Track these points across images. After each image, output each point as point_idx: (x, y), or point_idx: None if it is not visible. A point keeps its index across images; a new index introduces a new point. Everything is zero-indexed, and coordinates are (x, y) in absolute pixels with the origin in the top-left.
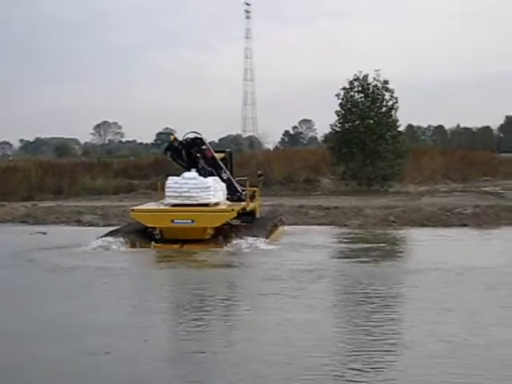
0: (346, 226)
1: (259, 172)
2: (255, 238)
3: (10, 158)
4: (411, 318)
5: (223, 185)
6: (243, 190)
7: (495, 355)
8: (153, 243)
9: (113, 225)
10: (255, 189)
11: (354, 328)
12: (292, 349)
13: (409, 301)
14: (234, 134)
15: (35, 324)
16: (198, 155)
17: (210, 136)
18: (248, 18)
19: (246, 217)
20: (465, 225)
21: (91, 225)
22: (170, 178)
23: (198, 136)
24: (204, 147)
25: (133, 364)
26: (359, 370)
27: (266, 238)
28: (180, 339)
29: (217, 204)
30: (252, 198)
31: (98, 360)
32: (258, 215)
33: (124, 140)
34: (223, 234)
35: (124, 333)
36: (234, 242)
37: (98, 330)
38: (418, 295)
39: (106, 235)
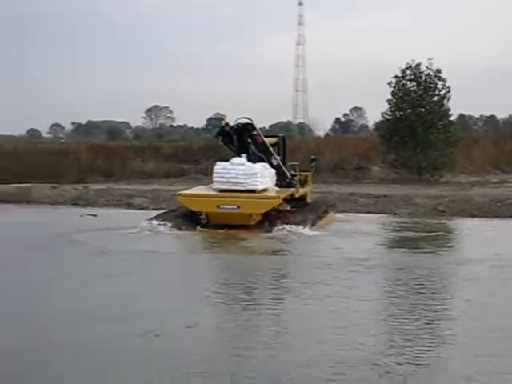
0: (395, 214)
1: (312, 157)
2: (301, 224)
3: (62, 140)
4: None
5: (272, 171)
6: (294, 175)
7: None
8: (198, 227)
9: (162, 208)
10: (307, 174)
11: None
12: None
13: (460, 293)
14: (285, 120)
15: (87, 307)
16: (249, 140)
17: (261, 122)
18: (301, 4)
19: (297, 202)
20: None
21: (141, 208)
22: (218, 163)
23: (250, 122)
24: (255, 133)
25: (180, 346)
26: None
27: (313, 224)
28: (227, 326)
29: (264, 190)
30: (304, 183)
31: (148, 341)
32: (309, 200)
33: (175, 124)
34: (270, 219)
35: (172, 318)
36: (280, 227)
37: (147, 315)
38: (470, 287)
39: (153, 218)
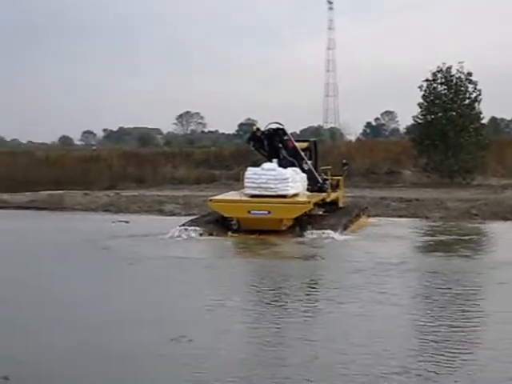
0: (427, 218)
1: (344, 161)
2: (332, 228)
3: (94, 147)
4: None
5: (303, 175)
6: (326, 180)
7: None
8: (229, 233)
9: (194, 214)
10: (339, 178)
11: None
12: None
13: (492, 297)
14: (316, 125)
15: (123, 312)
16: (280, 145)
17: (292, 127)
18: (331, 9)
19: (329, 206)
20: None
21: (173, 214)
22: (249, 168)
23: (280, 126)
24: (286, 137)
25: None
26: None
27: (344, 229)
28: (261, 331)
29: (295, 195)
30: (336, 187)
31: (182, 346)
32: (341, 204)
33: (206, 130)
34: (301, 224)
35: (204, 324)
36: (310, 232)
37: (180, 320)
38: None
39: (185, 224)
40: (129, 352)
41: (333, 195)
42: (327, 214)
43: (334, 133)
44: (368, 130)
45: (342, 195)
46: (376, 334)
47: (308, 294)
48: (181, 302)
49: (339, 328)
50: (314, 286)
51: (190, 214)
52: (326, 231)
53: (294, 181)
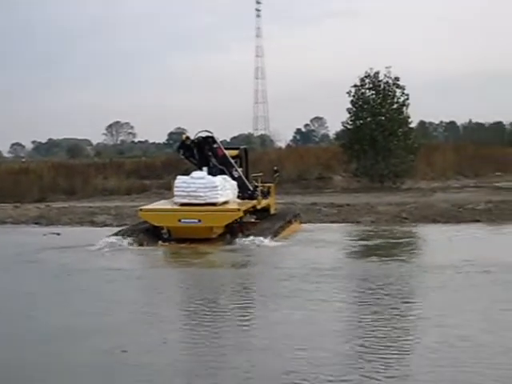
0: (358, 222)
1: (275, 168)
2: (262, 235)
3: (23, 159)
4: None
5: (233, 183)
6: (257, 187)
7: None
8: (160, 242)
9: (126, 225)
10: (270, 185)
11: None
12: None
13: (426, 302)
14: (246, 132)
15: (51, 324)
16: (210, 153)
17: (222, 135)
18: (258, 16)
19: (261, 213)
20: (477, 220)
21: (105, 225)
22: (178, 177)
23: (210, 135)
24: (215, 145)
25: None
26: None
27: (274, 235)
28: (195, 342)
29: (225, 203)
30: (267, 194)
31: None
32: (272, 211)
33: (136, 140)
34: (231, 231)
35: (137, 335)
36: (241, 240)
37: (111, 332)
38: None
39: (114, 234)
40: (63, 365)
41: (264, 202)
42: (259, 221)
43: (265, 140)
44: (298, 137)
45: (273, 202)
46: (308, 340)
47: (240, 303)
48: (110, 314)
49: (273, 335)
50: (245, 294)
51: (122, 225)
52: (256, 238)
53: (223, 188)
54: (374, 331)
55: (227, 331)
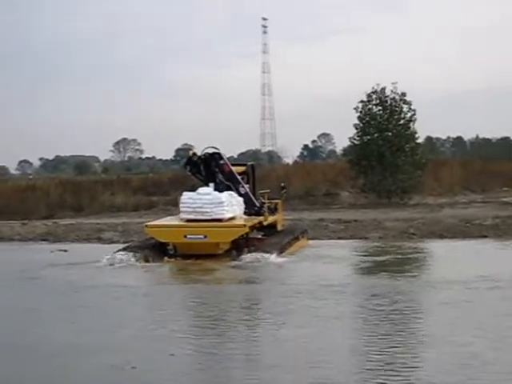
0: (366, 238)
1: (282, 184)
2: (268, 251)
3: (30, 176)
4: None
5: (240, 199)
6: (263, 203)
7: None
8: (165, 258)
9: (133, 241)
10: (277, 201)
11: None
12: None
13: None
14: (253, 148)
15: (57, 340)
16: (216, 170)
17: (229, 151)
18: (265, 32)
19: (269, 229)
20: (485, 236)
21: (112, 242)
22: (184, 193)
23: (216, 151)
24: (222, 162)
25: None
26: None
27: (280, 251)
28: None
29: (231, 219)
30: (274, 210)
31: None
32: (279, 228)
33: (143, 157)
34: (237, 248)
35: (143, 351)
36: (247, 256)
37: (117, 348)
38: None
39: (120, 251)
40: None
41: (270, 218)
42: (265, 237)
43: (272, 156)
44: (305, 153)
45: (280, 218)
46: (315, 358)
47: (247, 320)
48: (116, 331)
49: (281, 352)
50: (252, 311)
51: (129, 241)
52: (262, 254)
53: (229, 204)
54: (382, 349)
55: (234, 348)
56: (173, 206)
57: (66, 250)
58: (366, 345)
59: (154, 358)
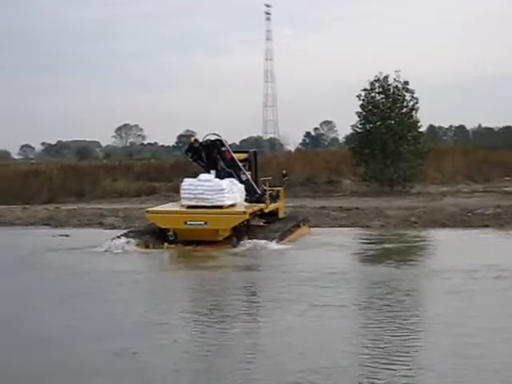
0: (367, 226)
1: (284, 172)
2: (268, 239)
3: (32, 161)
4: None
5: (241, 186)
6: (265, 191)
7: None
8: (166, 244)
9: (135, 227)
10: (279, 189)
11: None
12: None
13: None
14: (255, 135)
15: (66, 326)
16: (218, 156)
17: (231, 138)
18: (268, 19)
19: (270, 217)
20: (486, 225)
21: (113, 227)
22: (185, 179)
23: (218, 138)
24: (223, 149)
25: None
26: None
27: (281, 239)
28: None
29: (232, 206)
30: (276, 197)
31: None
32: (281, 215)
33: (145, 142)
34: (238, 234)
35: (145, 339)
36: (247, 243)
37: (121, 333)
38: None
39: (121, 236)
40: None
41: (272, 206)
42: (266, 224)
43: (274, 143)
44: (307, 140)
45: (282, 206)
46: (317, 348)
47: (247, 307)
48: (120, 317)
49: (280, 339)
50: (253, 298)
51: (130, 227)
52: (262, 241)
53: (230, 191)
54: (383, 337)
55: (235, 335)
56: (174, 192)
57: (67, 235)
58: (366, 333)
59: (155, 344)
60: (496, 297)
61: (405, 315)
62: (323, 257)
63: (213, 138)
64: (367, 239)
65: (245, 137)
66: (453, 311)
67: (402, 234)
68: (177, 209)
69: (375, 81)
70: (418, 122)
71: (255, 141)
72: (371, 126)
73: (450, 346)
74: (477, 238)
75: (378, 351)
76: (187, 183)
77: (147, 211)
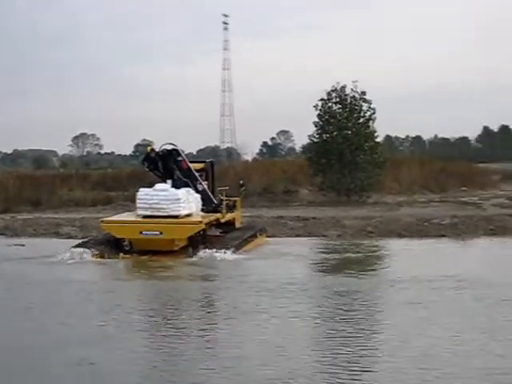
0: (324, 236)
1: (241, 182)
2: (224, 248)
3: None
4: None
5: (197, 196)
6: (222, 200)
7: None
8: (121, 254)
9: (91, 236)
10: (236, 199)
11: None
12: None
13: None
14: (213, 145)
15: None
16: (174, 166)
17: (189, 147)
18: (226, 29)
19: (227, 227)
20: (443, 235)
21: (70, 237)
22: (141, 189)
23: (174, 147)
24: (179, 158)
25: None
26: None
27: (237, 248)
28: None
29: (188, 216)
30: (233, 207)
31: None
32: (238, 225)
33: (102, 152)
34: (193, 244)
35: (100, 349)
36: (203, 253)
37: (77, 344)
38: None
39: (77, 246)
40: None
41: (228, 216)
42: (222, 234)
43: (231, 153)
44: (264, 150)
45: (239, 216)
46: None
47: (204, 318)
48: (74, 327)
49: (233, 349)
50: (209, 308)
51: (87, 237)
52: (218, 251)
53: (186, 201)
54: (338, 349)
55: (191, 345)
56: (131, 202)
57: (23, 245)
58: (323, 344)
59: (111, 354)
60: (454, 307)
61: (363, 325)
62: (281, 267)
63: (169, 147)
64: (324, 249)
65: (202, 146)
66: (412, 322)
67: (359, 244)
68: (132, 219)
69: (332, 91)
70: (375, 132)
71: (212, 150)
72: (328, 135)
73: (407, 357)
74: (434, 248)
75: (336, 361)
76: (143, 193)
77: (102, 221)
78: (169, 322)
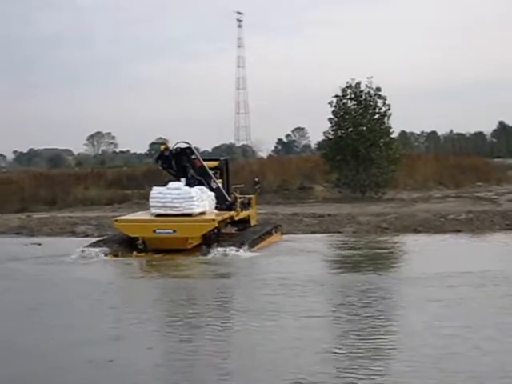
0: (339, 233)
1: (256, 179)
2: (238, 246)
3: (4, 169)
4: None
5: (211, 194)
6: (236, 198)
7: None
8: (135, 253)
9: (107, 235)
10: (251, 196)
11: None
12: None
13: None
14: (228, 143)
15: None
16: (188, 164)
17: (204, 145)
18: (240, 26)
19: (242, 224)
20: (459, 231)
21: (86, 235)
22: (154, 188)
23: (188, 146)
24: (193, 156)
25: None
26: None
27: (251, 246)
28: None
29: (201, 214)
30: (248, 205)
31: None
32: (253, 222)
33: (117, 150)
34: (207, 242)
35: (119, 347)
36: (217, 251)
37: (93, 342)
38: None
39: (90, 245)
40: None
41: (243, 213)
42: (238, 232)
43: (246, 150)
44: (279, 147)
45: (254, 213)
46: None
47: (217, 316)
48: (89, 326)
49: (247, 347)
50: (222, 307)
51: (103, 235)
52: (232, 248)
53: (200, 199)
54: (351, 349)
55: (206, 343)
56: (147, 200)
57: (39, 244)
58: (334, 342)
59: (130, 352)
60: (473, 305)
61: (385, 323)
62: (295, 264)
63: (183, 145)
64: (339, 246)
65: (217, 144)
66: (435, 319)
67: (375, 240)
68: (145, 217)
69: (347, 87)
70: (390, 128)
71: (228, 148)
72: (343, 132)
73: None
74: (451, 243)
75: (357, 361)
76: (156, 191)
77: (116, 220)
78: (186, 320)
